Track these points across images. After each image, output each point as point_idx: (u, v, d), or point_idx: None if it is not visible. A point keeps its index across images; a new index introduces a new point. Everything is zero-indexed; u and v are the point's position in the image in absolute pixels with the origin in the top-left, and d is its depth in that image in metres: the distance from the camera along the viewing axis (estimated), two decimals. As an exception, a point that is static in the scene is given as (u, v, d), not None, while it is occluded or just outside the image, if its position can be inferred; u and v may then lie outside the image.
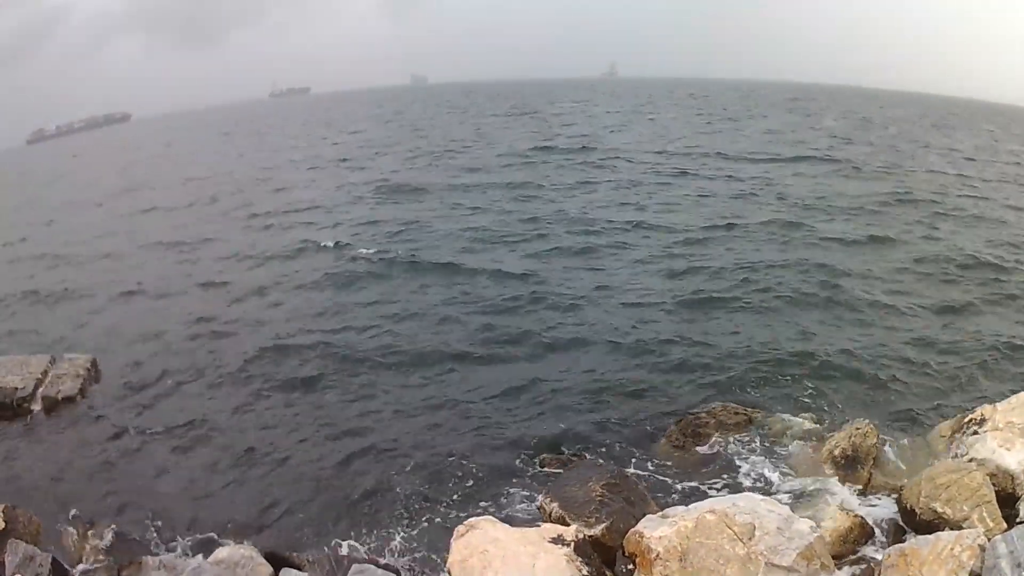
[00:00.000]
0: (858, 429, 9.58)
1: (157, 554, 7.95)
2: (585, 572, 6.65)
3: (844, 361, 13.13)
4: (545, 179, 31.65)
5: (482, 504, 9.40)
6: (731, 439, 10.45)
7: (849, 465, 9.26)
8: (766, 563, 6.21)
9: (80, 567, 8.22)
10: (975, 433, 8.99)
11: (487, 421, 11.66)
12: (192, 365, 14.25)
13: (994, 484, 7.82)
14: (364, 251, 21.10)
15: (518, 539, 6.86)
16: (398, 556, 8.48)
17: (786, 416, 11.12)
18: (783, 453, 10.12)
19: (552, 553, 6.71)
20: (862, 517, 8.19)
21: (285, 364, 13.97)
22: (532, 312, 16.04)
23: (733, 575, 6.19)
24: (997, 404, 9.35)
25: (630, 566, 6.93)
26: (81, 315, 18.09)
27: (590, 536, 7.35)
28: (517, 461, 10.35)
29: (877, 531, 8.10)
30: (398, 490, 9.83)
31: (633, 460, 10.23)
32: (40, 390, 12.85)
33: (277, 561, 7.79)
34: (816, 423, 10.79)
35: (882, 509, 8.57)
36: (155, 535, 9.07)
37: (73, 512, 9.47)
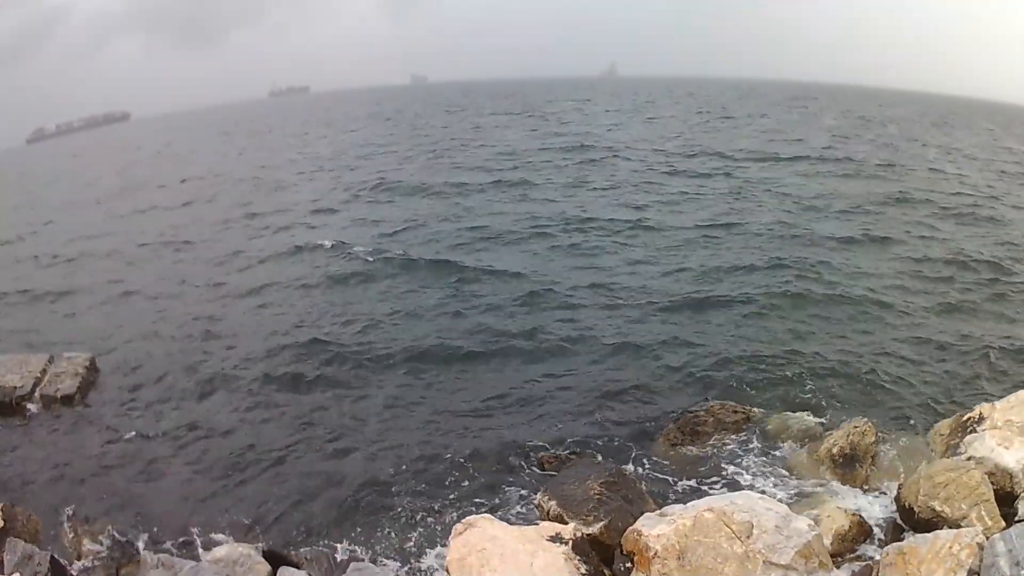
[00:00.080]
0: (856, 428, 9.58)
1: (156, 552, 7.93)
2: (583, 570, 6.65)
3: (843, 360, 13.13)
4: (544, 178, 31.63)
5: (480, 502, 9.40)
6: (729, 437, 10.45)
7: (847, 464, 9.27)
8: (764, 561, 6.21)
9: (79, 565, 8.23)
10: (974, 432, 8.99)
11: (485, 419, 11.67)
12: (190, 364, 14.24)
13: (992, 483, 7.82)
14: (362, 251, 21.08)
15: (516, 537, 6.86)
16: (396, 554, 8.48)
17: (784, 415, 11.13)
18: (781, 452, 10.12)
19: (550, 551, 6.72)
20: (860, 515, 8.20)
21: (283, 363, 13.96)
22: (530, 311, 16.03)
23: (731, 573, 6.18)
24: (996, 403, 9.35)
25: (628, 564, 6.93)
26: (80, 314, 18.08)
27: (588, 534, 7.35)
28: (515, 459, 10.34)
29: (875, 529, 8.11)
30: (396, 488, 9.83)
31: (631, 458, 10.23)
32: (39, 389, 12.84)
33: (275, 559, 7.79)
34: (814, 422, 10.78)
35: (880, 507, 8.57)
36: (154, 533, 9.06)
37: (72, 510, 9.48)
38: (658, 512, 7.19)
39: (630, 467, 9.92)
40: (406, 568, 8.23)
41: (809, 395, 11.77)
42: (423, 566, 8.28)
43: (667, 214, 24.63)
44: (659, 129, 53.12)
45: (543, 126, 56.29)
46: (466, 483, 9.91)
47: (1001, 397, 9.59)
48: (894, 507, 8.42)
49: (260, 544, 8.44)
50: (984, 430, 8.85)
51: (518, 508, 9.22)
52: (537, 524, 7.55)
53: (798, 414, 11.06)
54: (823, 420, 10.88)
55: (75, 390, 12.80)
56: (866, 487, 9.08)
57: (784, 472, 9.63)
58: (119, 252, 23.93)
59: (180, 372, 13.92)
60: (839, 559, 7.36)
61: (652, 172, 32.84)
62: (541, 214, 24.87)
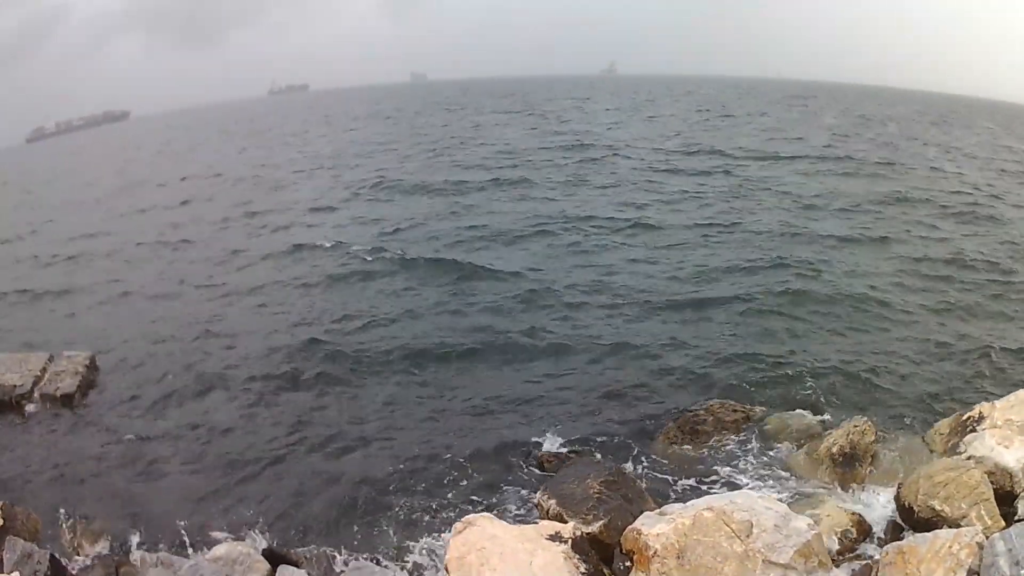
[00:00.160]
0: (856, 427, 9.57)
1: (155, 551, 7.93)
2: (582, 569, 6.65)
3: (842, 359, 13.13)
4: (544, 176, 31.62)
5: (480, 501, 9.40)
6: (729, 437, 10.45)
7: (847, 463, 9.26)
8: (764, 560, 6.21)
9: (78, 563, 8.23)
10: (973, 431, 8.99)
11: (485, 418, 11.66)
12: (190, 363, 14.24)
13: (992, 482, 7.82)
14: (362, 249, 21.07)
15: (516, 536, 6.86)
16: (395, 553, 8.48)
17: (784, 414, 11.12)
18: (781, 451, 10.12)
19: (549, 550, 6.71)
20: (860, 515, 8.19)
21: (283, 362, 13.95)
22: (530, 310, 16.03)
23: (730, 572, 6.18)
24: (996, 402, 9.35)
25: (627, 563, 6.93)
26: (80, 313, 18.08)
27: (587, 533, 7.35)
28: (515, 458, 10.34)
29: (875, 529, 8.11)
30: (396, 487, 9.83)
31: (631, 457, 10.22)
32: (39, 387, 12.84)
33: (275, 558, 7.79)
34: (814, 421, 10.78)
35: (880, 507, 8.56)
36: (153, 531, 9.04)
37: (71, 509, 9.45)
38: (658, 511, 7.18)
39: (630, 466, 9.91)
40: (405, 566, 8.23)
41: (809, 394, 11.76)
42: (422, 565, 8.27)
43: (667, 213, 24.62)
44: (659, 127, 53.09)
45: (543, 124, 56.25)
46: (465, 482, 9.90)
47: (1001, 396, 9.59)
48: (894, 506, 8.41)
49: (259, 543, 8.45)
50: (984, 429, 8.85)
51: (517, 507, 9.22)
52: (536, 523, 7.55)
53: (798, 413, 11.06)
54: (823, 419, 10.87)
55: (75, 389, 12.79)
56: (866, 486, 9.07)
57: (784, 471, 9.63)
58: (119, 251, 23.93)
59: (180, 371, 13.92)
60: (838, 558, 7.37)
61: (652, 171, 32.83)
62: (541, 213, 24.86)
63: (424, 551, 8.47)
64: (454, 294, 17.28)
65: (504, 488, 9.69)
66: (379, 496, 9.68)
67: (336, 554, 8.09)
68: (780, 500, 7.59)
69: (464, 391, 12.65)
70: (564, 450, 10.42)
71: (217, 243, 23.78)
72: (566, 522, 7.45)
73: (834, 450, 9.35)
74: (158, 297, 18.49)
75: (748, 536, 6.37)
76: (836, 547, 7.57)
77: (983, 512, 7.37)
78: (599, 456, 10.07)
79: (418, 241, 22.00)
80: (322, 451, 10.95)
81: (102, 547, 8.68)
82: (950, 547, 6.23)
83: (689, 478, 9.66)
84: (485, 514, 7.45)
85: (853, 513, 8.13)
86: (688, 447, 10.37)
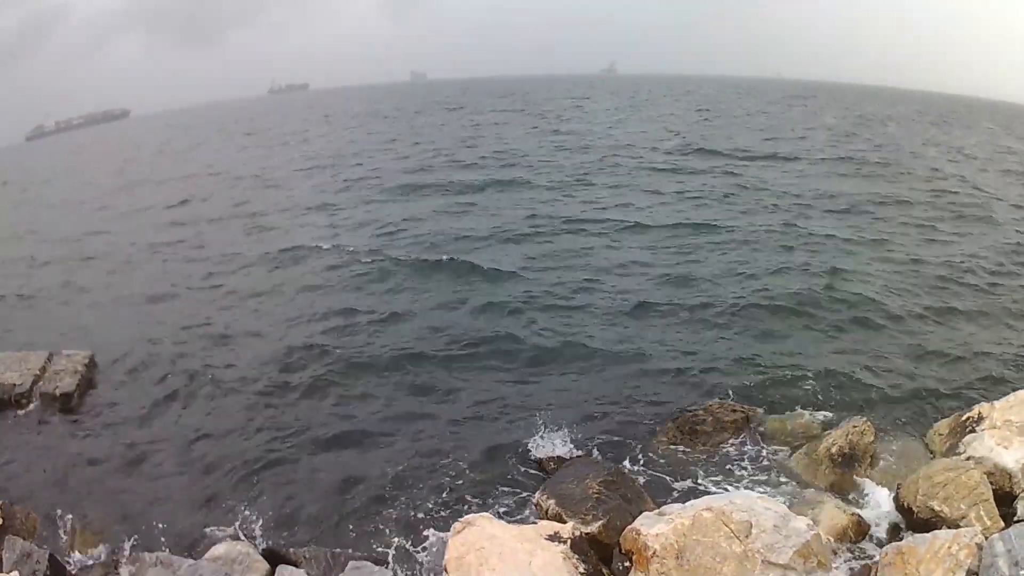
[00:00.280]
0: (855, 427, 9.58)
1: (154, 550, 7.93)
2: (582, 569, 6.65)
3: (841, 359, 13.13)
4: (543, 177, 31.58)
5: (479, 501, 9.39)
6: (728, 437, 10.45)
7: (846, 463, 9.27)
8: (763, 561, 6.21)
9: (77, 563, 8.23)
10: (973, 431, 9.01)
11: (483, 419, 11.66)
12: (189, 362, 14.23)
13: (992, 482, 7.84)
14: (360, 250, 21.05)
15: (515, 536, 6.86)
16: (394, 552, 8.47)
17: (783, 414, 11.13)
18: (780, 451, 10.13)
19: (548, 550, 6.72)
20: (859, 515, 8.21)
21: (281, 364, 13.92)
22: (529, 311, 16.01)
23: (730, 573, 6.19)
24: (995, 402, 9.37)
25: (627, 563, 6.94)
26: (79, 312, 18.06)
27: (587, 533, 7.36)
28: (514, 458, 10.34)
29: (874, 529, 8.12)
30: (395, 487, 9.82)
31: (630, 457, 10.23)
32: (38, 386, 12.82)
33: (274, 558, 7.79)
34: (813, 421, 10.78)
35: (879, 507, 8.58)
36: (152, 531, 9.04)
37: (70, 508, 9.46)
38: (657, 511, 7.19)
39: (629, 466, 9.92)
40: (404, 566, 8.22)
41: (808, 394, 11.75)
42: (421, 564, 8.28)
43: (666, 213, 24.60)
44: (658, 127, 53.05)
45: (542, 124, 56.22)
46: (464, 482, 9.90)
47: (1000, 397, 9.60)
48: (893, 507, 8.43)
49: (259, 542, 8.45)
50: (983, 430, 8.87)
51: (517, 507, 9.22)
52: (536, 523, 7.56)
53: (797, 413, 11.06)
54: (822, 419, 10.87)
55: (74, 388, 12.78)
56: (865, 486, 9.08)
57: (783, 472, 9.64)
58: (118, 251, 23.90)
59: (179, 370, 13.91)
60: (837, 559, 7.37)
61: (651, 171, 32.80)
62: (540, 213, 24.83)
63: (423, 551, 8.47)
64: (452, 295, 17.26)
65: (503, 488, 9.68)
66: (378, 496, 9.68)
67: (335, 553, 8.08)
68: (779, 500, 7.61)
69: (463, 392, 12.64)
70: (563, 450, 10.42)
71: (216, 243, 23.76)
72: (565, 522, 7.46)
73: (833, 450, 9.36)
74: (157, 297, 18.47)
75: (747, 536, 6.37)
76: (835, 548, 7.58)
77: (982, 513, 7.38)
78: (598, 456, 10.07)
79: (416, 242, 21.96)
80: (322, 451, 10.95)
81: (101, 546, 8.68)
82: (949, 548, 6.24)
83: (688, 478, 9.66)
84: (484, 514, 7.46)
85: (852, 513, 8.14)
86: (687, 447, 10.37)
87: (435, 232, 22.94)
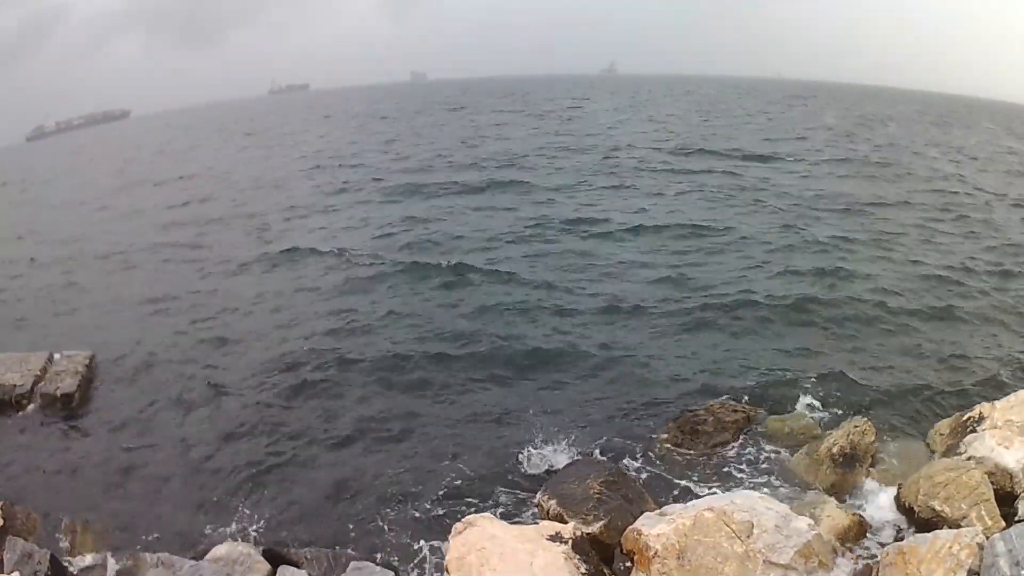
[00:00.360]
0: (856, 427, 9.58)
1: (155, 551, 7.93)
2: (583, 569, 6.65)
3: (842, 359, 13.13)
4: (543, 178, 31.56)
5: (480, 501, 9.40)
6: (729, 437, 10.44)
7: (847, 463, 9.27)
8: (764, 561, 6.21)
9: (78, 564, 8.23)
10: (973, 431, 9.01)
11: (485, 420, 11.65)
12: (189, 363, 14.24)
13: (992, 482, 7.84)
14: (360, 252, 21.04)
15: (516, 536, 6.86)
16: (396, 553, 8.48)
17: (784, 414, 11.14)
18: (781, 451, 10.12)
19: (550, 550, 6.71)
20: (860, 515, 8.21)
21: (281, 366, 13.91)
22: (530, 312, 16.00)
23: (731, 573, 6.19)
24: (996, 402, 9.37)
25: (628, 563, 6.94)
26: (79, 313, 18.06)
27: (588, 533, 7.35)
28: (515, 459, 10.33)
29: (875, 529, 8.12)
30: (397, 488, 9.82)
31: (631, 457, 10.23)
32: (39, 387, 12.82)
33: (275, 558, 7.79)
34: (814, 421, 10.79)
35: (880, 507, 8.58)
36: (153, 531, 9.06)
37: (71, 509, 9.47)
38: (658, 511, 7.19)
39: (630, 466, 9.93)
40: (405, 567, 8.24)
41: (809, 395, 11.75)
42: (422, 565, 8.29)
43: (667, 214, 24.58)
44: (659, 128, 53.04)
45: (542, 124, 56.21)
46: (466, 482, 9.90)
47: (1001, 397, 9.60)
48: (894, 506, 8.44)
49: (260, 543, 8.45)
50: (984, 430, 8.87)
51: (518, 507, 9.22)
52: (537, 523, 7.55)
53: (798, 413, 11.07)
54: (823, 419, 10.89)
55: (75, 388, 12.78)
56: (866, 486, 9.08)
57: (784, 471, 9.64)
58: (118, 251, 23.89)
59: (180, 371, 13.91)
60: (839, 559, 7.36)
61: (652, 171, 32.80)
62: (540, 214, 24.81)
63: (424, 551, 8.48)
64: (452, 297, 17.25)
65: (504, 489, 9.69)
66: (379, 497, 9.68)
67: (336, 554, 8.08)
68: (780, 500, 7.60)
69: (463, 393, 12.63)
70: (564, 450, 10.42)
71: (216, 244, 23.75)
72: (566, 522, 7.46)
73: (834, 450, 9.36)
74: (157, 298, 18.46)
75: (748, 536, 6.37)
76: (836, 548, 7.58)
77: (983, 512, 7.39)
78: (599, 456, 10.08)
79: (416, 243, 21.94)
80: (322, 452, 10.95)
81: (102, 547, 8.68)
82: (950, 547, 6.24)
83: (689, 478, 9.66)
84: (485, 514, 7.46)
85: (853, 513, 8.14)
86: (688, 447, 10.37)
87: (435, 233, 22.94)
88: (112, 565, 8.07)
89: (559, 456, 10.21)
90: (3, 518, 8.05)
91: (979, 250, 20.14)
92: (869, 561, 7.22)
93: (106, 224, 29.24)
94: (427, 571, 8.17)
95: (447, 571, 6.67)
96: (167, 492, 10.08)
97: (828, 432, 10.00)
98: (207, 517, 9.38)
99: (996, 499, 7.60)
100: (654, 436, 10.81)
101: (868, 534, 8.03)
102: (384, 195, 29.80)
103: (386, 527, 9.01)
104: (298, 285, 18.76)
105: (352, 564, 7.47)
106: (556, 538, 6.92)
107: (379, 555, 8.36)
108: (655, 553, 6.42)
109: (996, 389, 11.55)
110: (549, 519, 7.73)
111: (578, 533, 7.14)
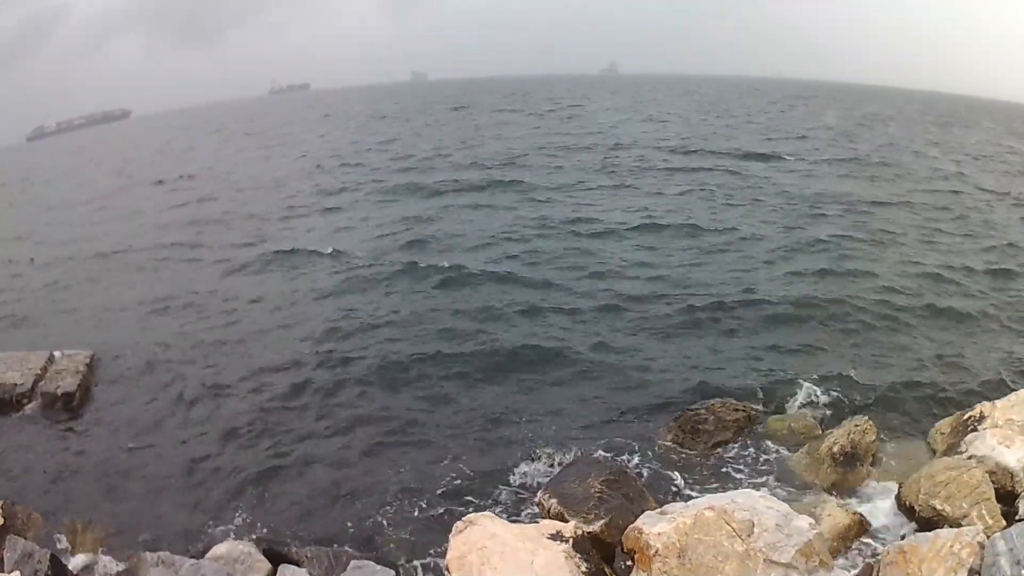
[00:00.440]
0: (857, 426, 9.58)
1: (156, 550, 7.92)
2: (584, 568, 6.64)
3: (843, 359, 13.13)
4: (544, 178, 31.52)
5: (481, 500, 9.40)
6: (730, 436, 10.44)
7: (848, 462, 9.26)
8: (765, 560, 6.20)
9: (79, 563, 8.23)
10: (974, 430, 9.00)
11: (486, 419, 11.65)
12: (189, 363, 14.24)
13: (993, 481, 7.84)
14: (360, 253, 21.01)
15: (517, 535, 6.86)
16: (396, 552, 8.48)
17: (785, 413, 11.14)
18: (782, 450, 10.12)
19: (551, 549, 6.71)
20: (861, 514, 8.20)
21: (281, 365, 13.93)
22: (530, 312, 16.00)
23: (732, 572, 6.18)
24: (996, 401, 9.36)
25: (629, 562, 6.93)
26: (79, 312, 18.08)
27: (589, 532, 7.35)
28: (516, 458, 10.33)
29: (876, 528, 8.11)
30: (397, 487, 9.82)
31: (632, 456, 10.24)
32: (39, 386, 12.84)
33: (276, 557, 7.79)
34: (815, 420, 10.79)
35: (881, 506, 8.58)
36: (154, 530, 9.06)
37: (72, 508, 9.48)
38: (659, 510, 7.18)
39: (631, 465, 9.92)
40: (406, 565, 8.24)
41: (809, 394, 11.75)
42: (423, 564, 8.29)
43: (668, 214, 24.55)
44: (659, 127, 53.00)
45: (543, 124, 56.16)
46: (467, 481, 9.90)
47: (1001, 396, 9.59)
48: (895, 505, 8.43)
49: (261, 541, 8.44)
50: (985, 429, 8.87)
51: (519, 506, 9.22)
52: (538, 522, 7.55)
53: (799, 412, 11.07)
54: (823, 419, 10.89)
55: (75, 388, 12.79)
56: (867, 486, 9.08)
57: (785, 470, 9.63)
58: (118, 251, 23.90)
59: (180, 370, 13.92)
60: (840, 558, 7.37)
61: (652, 171, 32.77)
62: (540, 214, 24.80)
63: (425, 550, 8.48)
64: (453, 297, 17.24)
65: (505, 487, 9.69)
66: (380, 495, 9.68)
67: (337, 553, 8.08)
68: (781, 499, 7.60)
69: (464, 393, 12.64)
70: (565, 449, 10.42)
71: (216, 244, 23.74)
72: (567, 521, 7.46)
73: (835, 449, 9.35)
74: (157, 298, 18.47)
75: (749, 535, 6.36)
76: (837, 547, 7.58)
77: (984, 511, 7.38)
78: (600, 455, 10.07)
79: (417, 244, 21.90)
80: (323, 450, 10.96)
81: (102, 546, 8.68)
82: (951, 546, 6.23)
83: (690, 477, 9.66)
84: (486, 513, 7.45)
85: (854, 512, 8.14)
86: (689, 446, 10.37)
87: (435, 233, 22.92)
88: (112, 564, 8.08)
89: (560, 455, 10.20)
90: (3, 517, 8.05)
91: (980, 250, 20.12)
92: (870, 560, 7.22)
93: (106, 224, 29.25)
94: (428, 570, 8.17)
95: (448, 570, 6.67)
96: (167, 491, 10.08)
97: (829, 431, 10.00)
98: (207, 516, 9.38)
99: (997, 498, 7.60)
100: (655, 435, 10.81)
101: (869, 533, 8.04)
102: (384, 195, 29.79)
103: (387, 526, 9.02)
104: (298, 285, 18.76)
105: (352, 563, 7.46)
106: (557, 537, 6.92)
107: (379, 553, 8.35)
108: (656, 552, 6.42)
109: (997, 388, 11.55)
110: (550, 518, 7.72)
111: (579, 532, 7.14)
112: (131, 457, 11.02)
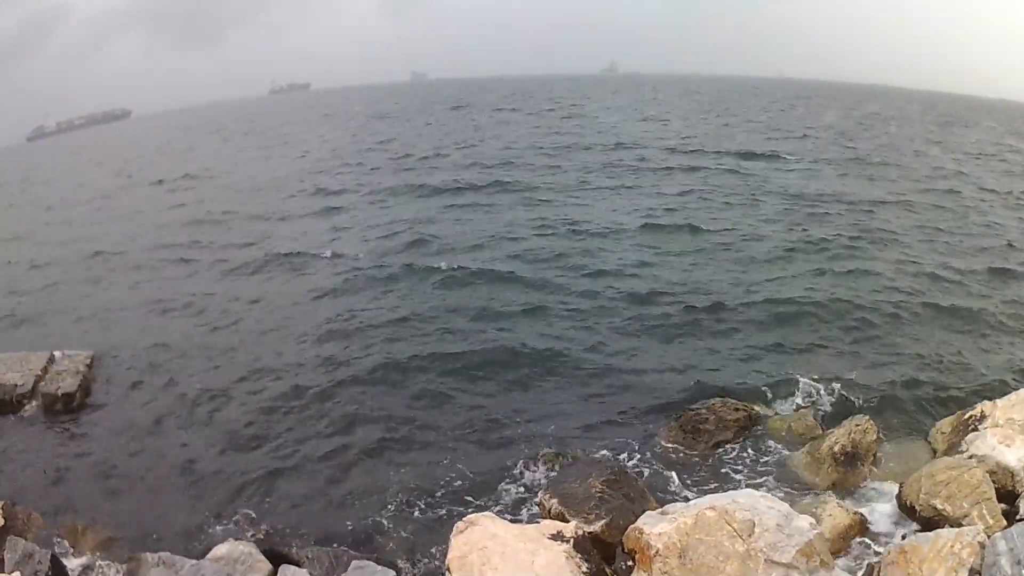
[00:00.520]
0: (858, 426, 9.57)
1: (156, 550, 7.92)
2: (584, 568, 6.64)
3: (844, 358, 13.13)
4: (544, 178, 31.48)
5: (482, 501, 9.40)
6: (731, 435, 10.44)
7: (849, 462, 9.26)
8: (765, 560, 6.20)
9: (79, 563, 8.23)
10: (975, 430, 8.99)
11: (487, 419, 11.65)
12: (190, 363, 14.25)
13: (994, 481, 7.83)
14: (360, 255, 20.95)
15: (517, 535, 6.85)
16: (397, 552, 8.48)
17: (786, 413, 11.14)
18: (783, 449, 10.12)
19: (551, 549, 6.70)
20: (862, 514, 8.20)
21: (282, 365, 13.93)
22: (531, 313, 15.99)
23: (733, 572, 6.17)
24: (997, 401, 9.35)
25: (629, 562, 6.93)
26: (79, 312, 18.07)
27: (589, 532, 7.35)
28: (517, 458, 10.32)
29: (877, 528, 8.11)
30: (398, 487, 9.82)
31: (633, 456, 10.24)
32: (40, 386, 12.84)
33: (276, 557, 7.79)
34: (815, 420, 10.78)
35: (882, 506, 8.57)
36: (154, 531, 9.07)
37: (72, 508, 9.48)
38: (659, 510, 7.17)
39: (631, 465, 9.92)
40: (407, 566, 8.24)
41: (810, 393, 11.75)
42: (424, 564, 8.29)
43: (669, 215, 24.53)
44: (659, 127, 52.97)
45: (543, 124, 56.10)
46: (467, 482, 9.90)
47: (1002, 396, 9.59)
48: (895, 505, 8.43)
49: (261, 542, 8.44)
50: (986, 428, 8.86)
51: (519, 506, 9.22)
52: (538, 522, 7.54)
53: (799, 412, 11.07)
54: (824, 418, 10.88)
55: (76, 388, 12.79)
56: (867, 485, 9.07)
57: (785, 470, 9.63)
58: (118, 251, 23.90)
59: (180, 370, 13.92)
60: (840, 557, 7.36)
61: (653, 171, 32.74)
62: (541, 214, 24.77)
63: (426, 550, 8.48)
64: (453, 297, 17.22)
65: (506, 488, 9.69)
66: (380, 496, 9.68)
67: (338, 553, 8.08)
68: (782, 499, 7.59)
69: (464, 392, 12.64)
70: (566, 449, 10.42)
71: (216, 245, 23.73)
72: (568, 521, 7.45)
73: (836, 449, 9.35)
74: (158, 298, 18.47)
75: (750, 535, 6.36)
76: (838, 547, 7.58)
77: (985, 511, 7.37)
78: (601, 455, 10.08)
79: (417, 245, 21.85)
80: (324, 451, 10.95)
81: (103, 547, 8.68)
82: (952, 546, 6.23)
83: (691, 477, 9.66)
84: (487, 513, 7.44)
85: (855, 512, 8.13)
86: (690, 446, 10.37)
87: (435, 233, 22.89)
88: (113, 565, 8.07)
89: (560, 455, 10.19)
90: (4, 518, 8.05)
91: (980, 249, 20.11)
92: (871, 560, 7.22)
93: (106, 224, 29.25)
94: (428, 570, 8.17)
95: (448, 570, 6.66)
96: (168, 491, 10.08)
97: (829, 431, 9.99)
98: (208, 516, 9.38)
99: (997, 497, 7.59)
100: (655, 435, 10.81)
101: (870, 533, 8.04)
102: (384, 195, 29.76)
103: (387, 526, 9.02)
104: (298, 285, 18.76)
105: (353, 563, 7.46)
106: (558, 537, 6.92)
107: (380, 554, 8.35)
108: (656, 552, 6.41)
109: (997, 387, 11.54)
110: (551, 518, 7.72)
111: (580, 532, 7.13)
112: (132, 458, 11.03)
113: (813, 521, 6.83)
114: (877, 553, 7.37)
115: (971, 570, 6.05)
